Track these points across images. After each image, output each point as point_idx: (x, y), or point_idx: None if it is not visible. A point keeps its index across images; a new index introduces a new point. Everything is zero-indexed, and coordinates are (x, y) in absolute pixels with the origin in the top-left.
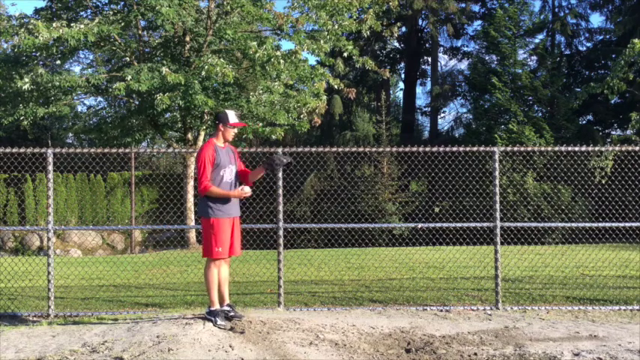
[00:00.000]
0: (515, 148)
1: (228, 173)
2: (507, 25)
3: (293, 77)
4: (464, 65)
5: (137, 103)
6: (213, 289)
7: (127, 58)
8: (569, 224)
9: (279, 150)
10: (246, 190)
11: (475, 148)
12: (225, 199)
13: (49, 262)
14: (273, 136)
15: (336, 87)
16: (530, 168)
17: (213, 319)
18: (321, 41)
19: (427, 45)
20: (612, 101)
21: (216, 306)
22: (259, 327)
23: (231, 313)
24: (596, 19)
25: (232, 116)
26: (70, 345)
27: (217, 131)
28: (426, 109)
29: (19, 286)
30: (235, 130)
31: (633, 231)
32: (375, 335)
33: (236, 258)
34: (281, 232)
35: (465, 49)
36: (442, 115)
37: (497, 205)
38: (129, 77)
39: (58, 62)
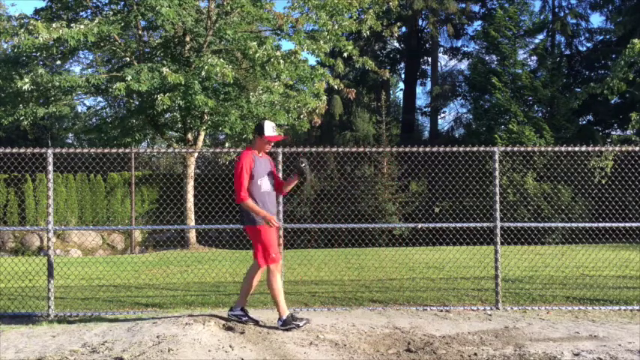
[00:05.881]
0: (515, 148)
1: (265, 182)
2: (507, 25)
3: (293, 77)
4: (464, 65)
5: (137, 103)
6: (280, 295)
7: (127, 58)
8: (569, 224)
9: (301, 157)
10: (275, 223)
11: (475, 148)
12: (264, 206)
13: (49, 262)
14: None
15: (336, 87)
16: (530, 168)
17: (293, 325)
18: (321, 41)
19: (427, 45)
20: (612, 101)
21: (287, 312)
22: (259, 327)
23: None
24: (596, 19)
25: (269, 129)
26: (70, 345)
27: (255, 141)
28: (426, 109)
29: (19, 286)
30: (270, 144)
31: (633, 231)
32: (375, 335)
33: (236, 258)
34: (281, 232)
35: (465, 49)
36: (442, 115)
37: (498, 205)
38: (129, 77)
39: (58, 62)
